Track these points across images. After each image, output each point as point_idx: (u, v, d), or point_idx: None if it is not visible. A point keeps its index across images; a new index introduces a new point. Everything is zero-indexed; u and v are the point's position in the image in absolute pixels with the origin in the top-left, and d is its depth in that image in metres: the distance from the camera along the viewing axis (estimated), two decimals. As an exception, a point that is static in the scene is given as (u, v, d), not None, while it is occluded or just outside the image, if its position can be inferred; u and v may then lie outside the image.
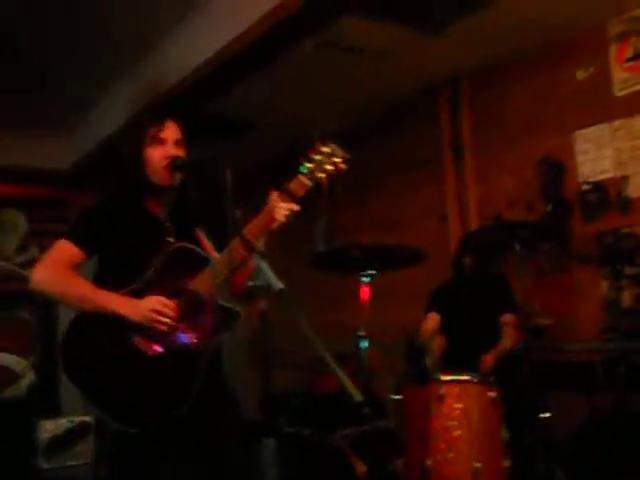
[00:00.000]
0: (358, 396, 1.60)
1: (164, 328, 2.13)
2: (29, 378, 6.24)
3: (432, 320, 3.98)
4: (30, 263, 5.85)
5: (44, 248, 2.33)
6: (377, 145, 5.49)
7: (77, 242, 2.21)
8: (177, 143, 2.27)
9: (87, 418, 5.32)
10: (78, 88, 5.26)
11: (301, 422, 3.84)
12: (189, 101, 4.76)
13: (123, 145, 2.39)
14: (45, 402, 5.98)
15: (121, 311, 2.12)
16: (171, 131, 2.27)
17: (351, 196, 5.32)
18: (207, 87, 4.65)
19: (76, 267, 2.22)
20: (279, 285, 1.78)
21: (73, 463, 5.17)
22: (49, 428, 5.24)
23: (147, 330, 2.13)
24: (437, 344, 3.77)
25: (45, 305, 5.88)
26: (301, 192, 2.19)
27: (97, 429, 5.30)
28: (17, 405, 6.02)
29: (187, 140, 2.32)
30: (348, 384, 1.60)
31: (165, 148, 2.24)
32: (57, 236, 2.27)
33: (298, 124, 5.31)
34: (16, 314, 6.22)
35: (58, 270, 2.18)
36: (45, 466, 5.08)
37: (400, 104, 5.29)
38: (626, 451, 3.32)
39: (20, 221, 6.32)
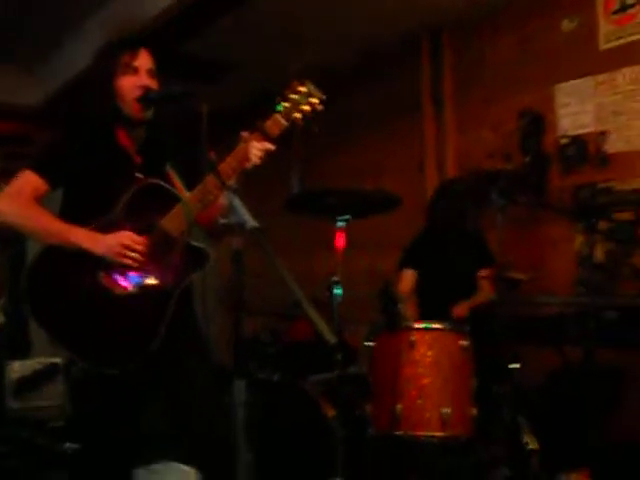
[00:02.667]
0: (332, 338, 1.57)
1: (131, 263, 2.07)
2: (-2, 319, 6.16)
3: (408, 278, 3.92)
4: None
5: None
6: (357, 92, 5.39)
7: (41, 173, 2.13)
8: (150, 73, 2.19)
9: (56, 360, 5.28)
10: (47, 23, 5.07)
11: (272, 368, 3.84)
12: (162, 39, 4.60)
13: (94, 73, 2.30)
14: (14, 343, 5.92)
15: (86, 244, 2.06)
16: (144, 60, 2.19)
17: (328, 144, 5.24)
18: (181, 26, 4.51)
19: (40, 199, 2.14)
20: (253, 223, 1.72)
21: (42, 404, 5.15)
22: (17, 369, 5.20)
23: (114, 266, 2.07)
24: (411, 308, 3.73)
25: (14, 244, 5.77)
26: (276, 131, 2.15)
27: (66, 371, 5.27)
28: (-15, 346, 5.95)
29: (160, 80, 2.24)
30: (322, 326, 1.57)
31: (138, 77, 2.16)
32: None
33: (274, 66, 5.20)
34: (-16, 254, 6.10)
35: (21, 201, 2.10)
36: (14, 406, 5.06)
37: (381, 52, 5.19)
38: (592, 403, 3.38)
39: (-14, 158, 6.14)
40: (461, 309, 3.61)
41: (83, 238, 2.07)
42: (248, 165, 2.12)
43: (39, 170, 2.14)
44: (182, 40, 4.80)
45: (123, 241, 2.06)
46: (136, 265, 2.08)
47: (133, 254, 2.07)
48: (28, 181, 2.13)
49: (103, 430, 2.25)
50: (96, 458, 2.28)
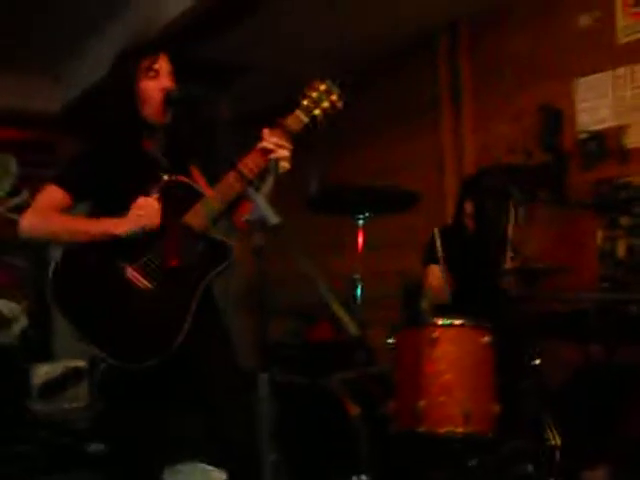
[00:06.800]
0: (355, 330, 1.58)
1: (152, 221, 2.10)
2: (22, 323, 6.23)
3: (434, 273, 3.74)
4: (23, 207, 5.76)
5: (36, 192, 2.27)
6: (374, 91, 5.38)
7: (65, 187, 2.18)
8: (170, 75, 2.23)
9: (80, 363, 5.34)
10: (69, 29, 5.13)
11: (295, 371, 3.84)
12: (180, 43, 4.64)
13: (115, 80, 2.33)
14: (38, 347, 5.99)
15: (109, 230, 2.09)
16: (164, 63, 2.24)
17: (345, 143, 5.24)
18: (199, 29, 4.55)
19: (64, 212, 2.18)
20: (275, 219, 1.73)
21: (67, 406, 5.21)
22: (42, 373, 5.26)
23: (138, 260, 2.10)
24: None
25: (38, 250, 5.83)
26: (297, 128, 2.17)
27: (90, 374, 5.33)
28: (9, 350, 6.02)
29: (178, 83, 2.28)
30: (345, 318, 1.57)
31: (159, 80, 2.20)
32: (47, 180, 2.23)
33: (291, 70, 5.22)
34: (8, 259, 6.18)
35: (44, 213, 2.16)
36: (39, 408, 5.12)
37: (398, 49, 5.18)
38: (614, 400, 3.35)
39: (11, 165, 6.20)
40: None
41: (105, 225, 2.11)
42: (279, 169, 2.14)
43: (62, 184, 2.18)
44: (199, 43, 4.83)
45: (135, 206, 2.10)
46: (155, 224, 2.10)
47: (149, 211, 2.10)
48: (51, 195, 2.18)
49: (131, 428, 2.27)
50: (125, 457, 2.30)
